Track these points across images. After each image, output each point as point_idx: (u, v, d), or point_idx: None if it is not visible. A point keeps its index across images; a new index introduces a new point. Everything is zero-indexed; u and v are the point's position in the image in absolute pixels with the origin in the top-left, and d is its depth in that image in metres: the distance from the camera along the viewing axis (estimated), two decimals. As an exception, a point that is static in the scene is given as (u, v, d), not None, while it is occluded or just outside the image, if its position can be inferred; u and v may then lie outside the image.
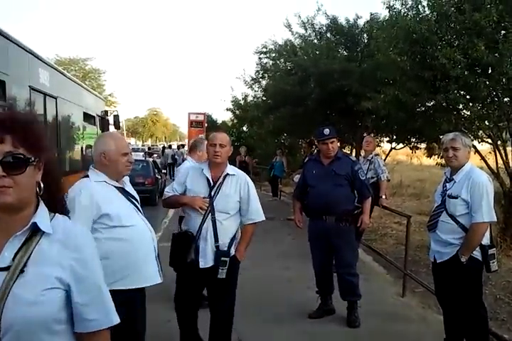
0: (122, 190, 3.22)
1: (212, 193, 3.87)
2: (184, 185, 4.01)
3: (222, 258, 3.80)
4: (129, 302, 3.21)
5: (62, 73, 8.87)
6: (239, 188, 3.90)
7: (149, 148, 39.20)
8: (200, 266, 3.85)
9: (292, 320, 5.15)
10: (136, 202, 3.30)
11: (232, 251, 3.91)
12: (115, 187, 3.18)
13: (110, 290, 2.95)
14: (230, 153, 3.97)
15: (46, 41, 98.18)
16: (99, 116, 11.36)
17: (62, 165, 8.21)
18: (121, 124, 12.61)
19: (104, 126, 11.73)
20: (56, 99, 7.76)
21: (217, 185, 3.88)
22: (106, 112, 12.06)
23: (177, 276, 4.10)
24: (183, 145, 28.04)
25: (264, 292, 5.86)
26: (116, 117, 12.28)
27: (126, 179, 3.40)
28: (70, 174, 8.10)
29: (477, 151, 8.04)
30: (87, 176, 3.23)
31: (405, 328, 5.04)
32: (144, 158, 19.58)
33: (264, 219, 4.02)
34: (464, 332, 4.13)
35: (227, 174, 3.91)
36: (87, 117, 10.21)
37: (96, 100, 11.62)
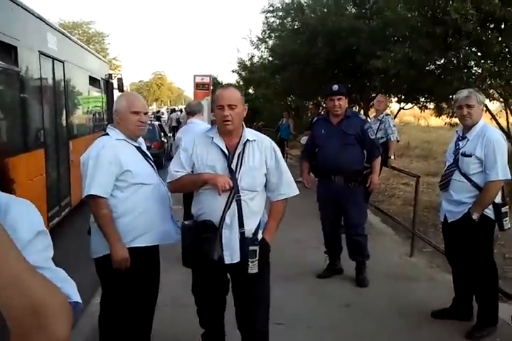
0: (140, 150, 3.28)
1: (233, 167, 2.98)
2: (191, 160, 3.04)
3: (251, 248, 2.98)
4: (150, 258, 3.27)
5: (68, 37, 8.91)
6: (264, 157, 3.01)
7: (157, 112, 39.43)
8: (226, 262, 3.01)
9: (301, 280, 5.17)
10: (152, 162, 3.37)
11: (259, 235, 3.09)
12: (134, 146, 3.25)
13: (131, 248, 3.04)
14: (244, 114, 3.04)
15: (49, 4, 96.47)
16: (103, 79, 11.42)
17: (70, 128, 8.42)
18: (125, 88, 12.75)
19: (108, 89, 11.82)
20: (63, 63, 7.83)
21: (236, 156, 2.98)
22: (110, 75, 12.14)
23: (194, 280, 3.29)
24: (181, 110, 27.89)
25: (273, 252, 5.83)
26: (119, 80, 12.25)
27: (142, 141, 3.43)
28: (78, 137, 8.66)
29: (488, 110, 7.89)
30: (107, 134, 3.26)
31: (413, 287, 5.06)
32: (149, 122, 19.47)
33: (298, 192, 3.16)
34: (473, 290, 4.12)
35: (247, 140, 3.00)
36: (93, 80, 10.31)
37: (100, 64, 11.68)
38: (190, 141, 3.09)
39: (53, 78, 7.39)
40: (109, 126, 3.34)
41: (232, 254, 2.99)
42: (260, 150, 3.02)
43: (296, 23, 14.84)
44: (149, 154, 3.43)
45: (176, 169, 3.05)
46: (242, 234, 2.99)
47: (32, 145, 6.21)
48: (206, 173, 2.95)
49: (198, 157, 3.01)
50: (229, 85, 3.15)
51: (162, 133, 16.24)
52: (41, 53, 6.69)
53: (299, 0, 15.17)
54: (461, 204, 3.97)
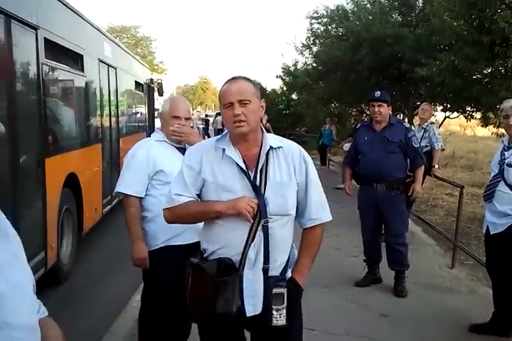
0: (182, 150, 3.29)
1: (257, 184, 2.24)
2: (198, 181, 2.28)
3: (276, 290, 2.25)
4: (188, 257, 3.31)
5: (118, 45, 9.68)
6: (292, 169, 2.28)
7: (206, 115, 40.55)
8: (248, 314, 2.24)
9: (340, 288, 5.15)
10: None
11: (288, 274, 2.37)
12: (176, 147, 3.30)
13: (168, 246, 3.09)
14: (262, 113, 2.31)
15: (99, 8, 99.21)
16: (145, 83, 12.02)
17: (121, 127, 9.23)
18: (171, 92, 13.46)
19: (150, 92, 12.38)
20: (116, 69, 8.59)
21: (259, 170, 2.24)
22: (151, 80, 12.73)
23: (202, 338, 2.51)
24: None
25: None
26: (159, 84, 12.93)
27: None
28: (126, 135, 9.44)
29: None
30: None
31: (453, 300, 4.97)
32: (192, 124, 19.89)
33: (331, 218, 2.42)
34: (514, 305, 4.02)
35: (271, 148, 2.26)
36: (137, 85, 11.05)
37: (143, 69, 12.37)
38: (196, 154, 2.32)
39: (108, 83, 8.09)
40: (156, 129, 3.48)
41: (256, 303, 2.24)
42: (287, 160, 2.28)
43: (341, 29, 14.85)
44: None
45: (178, 192, 2.29)
46: (265, 271, 2.24)
47: (92, 140, 7.10)
48: (220, 202, 2.21)
49: (207, 176, 2.25)
50: (237, 77, 2.29)
51: (206, 136, 16.48)
52: (100, 61, 7.51)
53: (343, 7, 15.17)
54: (505, 216, 3.89)
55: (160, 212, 2.60)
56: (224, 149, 2.24)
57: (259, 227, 2.21)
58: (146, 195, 3.19)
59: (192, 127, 3.41)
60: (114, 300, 4.93)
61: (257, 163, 2.25)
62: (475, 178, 12.32)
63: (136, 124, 11.21)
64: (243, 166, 2.23)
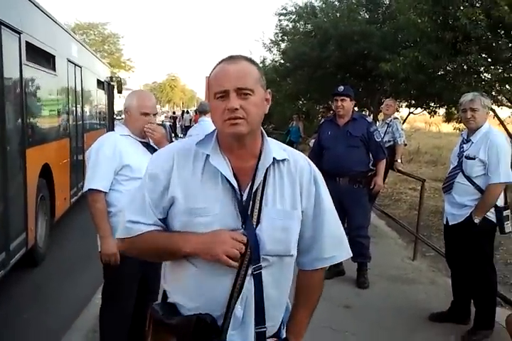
0: (147, 145, 3.28)
1: (249, 212, 1.58)
2: (165, 199, 1.61)
3: None
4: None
5: (83, 45, 10.17)
6: (299, 192, 1.65)
7: (174, 113, 40.44)
8: None
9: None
10: None
11: (283, 334, 1.76)
12: (140, 141, 3.26)
13: None
14: (267, 109, 1.63)
15: (66, 5, 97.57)
16: (106, 81, 12.33)
17: (85, 123, 9.61)
18: (139, 89, 13.75)
19: (110, 90, 12.62)
20: (81, 68, 9.00)
21: (253, 191, 1.59)
22: (111, 78, 13.01)
23: None
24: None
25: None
26: (118, 82, 13.17)
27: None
28: (90, 131, 9.79)
29: (496, 116, 7.88)
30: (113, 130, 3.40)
31: (414, 290, 5.06)
32: (161, 122, 19.78)
33: (351, 254, 1.79)
34: (471, 294, 4.12)
35: (274, 160, 1.62)
36: (99, 83, 11.50)
37: (103, 67, 12.84)
38: (165, 159, 1.63)
39: (75, 81, 8.52)
40: (117, 122, 3.43)
41: None
42: (293, 178, 1.64)
43: (309, 26, 14.90)
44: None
45: (134, 216, 1.64)
46: (260, 335, 1.61)
47: (62, 134, 7.55)
48: (191, 237, 1.55)
49: (177, 193, 1.58)
50: (237, 56, 1.61)
51: (173, 134, 16.38)
52: (68, 60, 7.96)
53: (312, 3, 15.25)
54: (464, 207, 3.97)
55: (124, 207, 2.52)
56: (207, 156, 1.58)
57: (248, 275, 1.54)
58: (110, 189, 3.12)
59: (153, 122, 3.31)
60: (78, 298, 4.85)
61: (253, 180, 1.58)
62: (438, 173, 12.53)
63: (99, 121, 11.57)
64: (233, 182, 1.55)
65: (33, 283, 5.38)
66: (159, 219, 1.63)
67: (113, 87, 12.77)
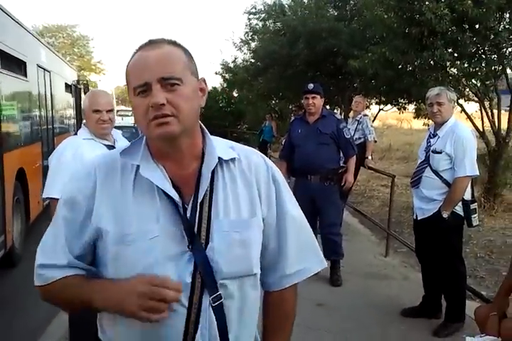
0: (112, 148, 3.10)
1: (195, 229, 1.28)
2: (91, 228, 1.29)
3: None
4: None
5: (51, 50, 10.35)
6: (257, 195, 1.37)
7: None
8: None
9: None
10: None
11: None
12: (104, 145, 3.16)
13: None
14: (203, 99, 1.35)
15: (32, 8, 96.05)
16: (73, 85, 12.49)
17: (55, 126, 9.79)
18: (110, 92, 13.85)
19: (77, 93, 12.78)
20: (50, 72, 9.14)
21: (199, 200, 1.30)
22: (78, 81, 13.18)
23: None
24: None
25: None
26: (85, 85, 13.38)
27: (117, 134, 3.37)
28: (60, 135, 9.87)
29: (463, 110, 7.96)
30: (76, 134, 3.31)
31: (387, 286, 5.06)
32: (132, 125, 19.58)
33: (326, 265, 1.54)
34: (442, 288, 4.13)
35: (220, 161, 1.34)
36: (67, 86, 11.69)
37: (71, 70, 12.99)
38: (84, 178, 1.33)
39: (45, 86, 8.69)
40: (82, 125, 3.34)
41: None
42: (247, 180, 1.37)
43: (278, 24, 14.91)
44: None
45: (45, 259, 1.33)
46: None
47: (35, 138, 7.76)
48: (106, 283, 1.27)
49: (103, 222, 1.28)
50: (158, 39, 1.31)
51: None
52: (38, 66, 8.09)
53: (280, 2, 15.26)
54: (432, 202, 3.98)
55: None
56: (138, 166, 1.29)
57: (206, 307, 1.25)
58: None
59: (110, 119, 3.17)
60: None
61: (197, 188, 1.29)
62: (410, 169, 12.55)
63: (67, 124, 11.73)
64: (173, 194, 1.26)
65: (11, 284, 5.34)
66: (80, 257, 1.29)
67: (80, 89, 12.85)
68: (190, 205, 1.27)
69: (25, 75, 7.15)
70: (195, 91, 1.29)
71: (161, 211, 1.26)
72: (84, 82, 13.73)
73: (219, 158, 1.31)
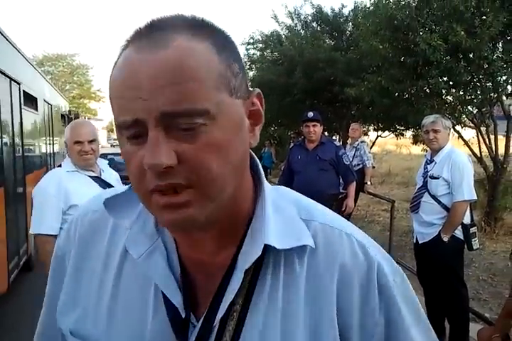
0: (98, 180, 3.10)
1: None
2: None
3: None
4: None
5: (51, 85, 11.13)
6: (331, 317, 0.71)
7: None
8: None
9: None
10: None
11: None
12: (90, 176, 3.08)
13: None
14: (259, 127, 0.75)
15: (32, 37, 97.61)
16: (66, 115, 13.05)
17: (55, 153, 10.43)
18: (110, 120, 14.85)
19: (68, 123, 12.88)
20: (51, 105, 9.96)
21: (219, 316, 0.70)
22: (69, 111, 13.83)
23: None
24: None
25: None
26: (76, 115, 14.07)
27: (104, 165, 3.31)
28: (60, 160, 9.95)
29: (460, 136, 8.11)
30: (60, 166, 3.22)
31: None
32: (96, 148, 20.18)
33: None
34: (444, 311, 4.18)
35: (271, 249, 0.71)
36: (62, 117, 12.34)
37: (64, 101, 13.67)
38: (66, 230, 0.91)
39: (48, 117, 9.53)
40: (66, 156, 3.24)
41: None
42: (320, 290, 0.73)
43: (276, 54, 15.20)
44: (114, 180, 3.24)
45: None
46: None
47: (45, 162, 8.69)
48: None
49: (68, 310, 0.82)
50: (168, 24, 0.65)
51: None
52: (44, 101, 8.79)
53: (278, 32, 15.57)
54: (432, 226, 4.06)
55: None
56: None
57: None
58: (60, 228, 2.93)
59: (93, 150, 3.05)
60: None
61: (218, 296, 0.73)
62: (410, 194, 12.65)
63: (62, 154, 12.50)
64: (178, 302, 0.73)
65: (29, 285, 5.96)
66: None
67: (71, 119, 13.22)
68: (200, 323, 0.72)
69: (36, 109, 8.01)
70: (238, 126, 0.68)
71: (152, 323, 0.74)
72: (75, 112, 14.45)
73: (266, 246, 0.70)
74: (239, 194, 0.72)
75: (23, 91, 6.65)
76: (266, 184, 0.79)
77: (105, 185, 3.06)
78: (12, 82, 6.01)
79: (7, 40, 5.92)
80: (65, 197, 2.93)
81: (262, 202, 0.76)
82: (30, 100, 7.51)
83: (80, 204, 1.07)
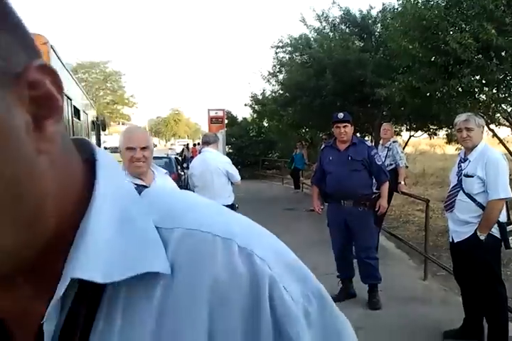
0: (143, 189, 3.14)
1: None
2: None
3: None
4: None
5: (85, 95, 11.73)
6: None
7: (187, 144, 41.56)
8: None
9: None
10: None
11: None
12: (136, 184, 3.12)
13: None
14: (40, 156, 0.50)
15: (66, 45, 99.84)
16: (94, 121, 13.40)
17: None
18: (144, 125, 15.16)
19: (97, 129, 13.80)
20: (87, 114, 10.63)
21: None
22: (97, 118, 14.12)
23: None
24: (199, 143, 28.73)
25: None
26: (102, 121, 14.43)
27: (161, 173, 3.27)
28: None
29: (495, 135, 8.02)
30: None
31: (426, 310, 5.08)
32: (166, 155, 20.12)
33: None
34: (483, 310, 4.15)
35: (85, 284, 0.52)
36: (92, 123, 12.79)
37: (93, 108, 14.25)
38: None
39: (86, 124, 10.31)
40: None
41: None
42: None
43: (305, 56, 15.26)
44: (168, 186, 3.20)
45: None
46: None
47: None
48: None
49: None
50: None
51: (179, 166, 16.55)
52: (83, 111, 9.53)
53: (306, 35, 15.63)
54: (467, 224, 4.05)
55: None
56: None
57: None
58: None
59: (146, 157, 2.98)
60: None
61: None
62: (444, 194, 12.55)
63: None
64: None
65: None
66: None
67: (99, 126, 13.84)
68: None
69: (79, 118, 8.83)
70: None
71: None
72: (102, 118, 14.88)
73: (77, 280, 0.52)
74: (54, 225, 0.52)
75: (73, 105, 7.58)
76: (108, 187, 0.58)
77: None
78: (68, 99, 6.83)
79: (62, 63, 6.68)
80: None
81: (87, 216, 0.54)
82: (76, 112, 8.39)
83: None
